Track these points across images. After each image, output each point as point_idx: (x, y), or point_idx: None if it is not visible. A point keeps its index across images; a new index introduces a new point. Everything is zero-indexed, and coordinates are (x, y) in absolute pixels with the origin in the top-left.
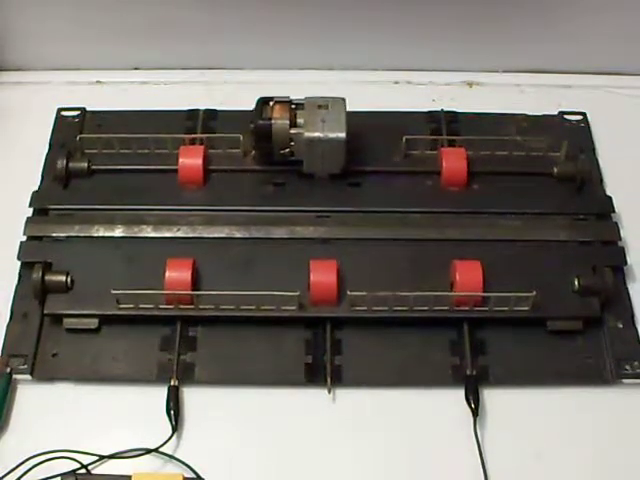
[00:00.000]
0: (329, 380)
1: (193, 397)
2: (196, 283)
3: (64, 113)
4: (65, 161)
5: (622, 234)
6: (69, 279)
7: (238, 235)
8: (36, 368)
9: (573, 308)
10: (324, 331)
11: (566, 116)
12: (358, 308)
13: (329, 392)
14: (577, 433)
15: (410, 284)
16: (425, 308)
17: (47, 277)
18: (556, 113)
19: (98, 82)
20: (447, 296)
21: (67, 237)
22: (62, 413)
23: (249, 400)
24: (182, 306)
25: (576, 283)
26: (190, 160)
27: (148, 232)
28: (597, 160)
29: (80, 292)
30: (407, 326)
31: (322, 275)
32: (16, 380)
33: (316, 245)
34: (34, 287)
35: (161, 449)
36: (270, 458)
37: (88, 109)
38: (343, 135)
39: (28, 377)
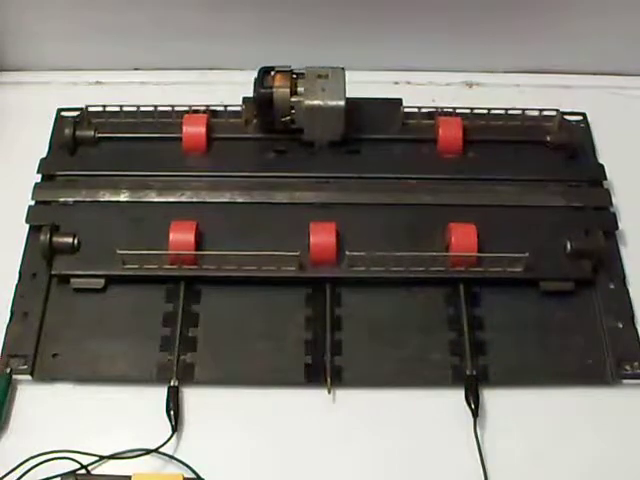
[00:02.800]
0: (329, 380)
1: (193, 397)
2: (199, 245)
3: (64, 113)
4: (72, 129)
5: (614, 201)
6: (76, 241)
7: (240, 200)
8: (36, 368)
9: (565, 269)
10: (324, 294)
11: (566, 116)
12: (357, 268)
13: (329, 392)
14: (577, 433)
15: (407, 247)
16: (422, 268)
17: (54, 239)
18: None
19: (98, 82)
20: (443, 257)
21: (74, 202)
22: (62, 413)
23: (249, 400)
24: (186, 266)
25: (568, 246)
26: (194, 128)
27: (152, 197)
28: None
29: (87, 253)
30: (404, 287)
31: (322, 236)
32: (16, 380)
33: (316, 209)
34: (42, 248)
35: (161, 449)
36: (270, 458)
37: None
38: (342, 103)
39: (28, 377)
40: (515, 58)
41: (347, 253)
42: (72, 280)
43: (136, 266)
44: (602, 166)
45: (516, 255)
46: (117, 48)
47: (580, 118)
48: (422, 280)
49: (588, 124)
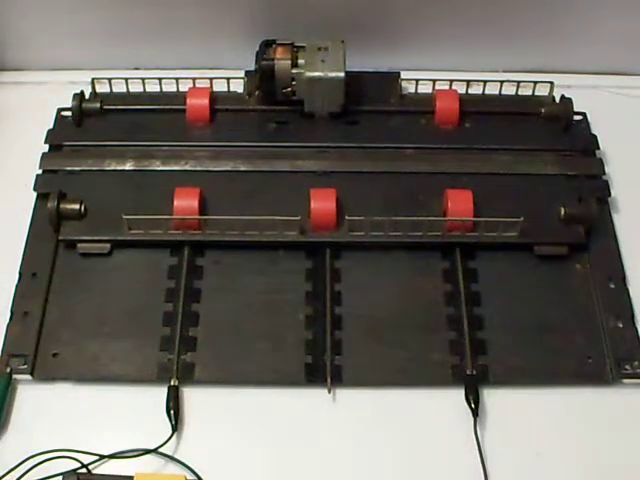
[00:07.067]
0: (329, 380)
1: (193, 397)
2: (203, 211)
3: (64, 113)
4: (79, 102)
5: (607, 170)
6: (82, 207)
7: (243, 168)
8: (36, 368)
9: (559, 234)
10: (324, 260)
11: None
12: (356, 233)
13: (329, 392)
14: (577, 433)
15: (406, 213)
16: (419, 233)
17: (62, 205)
18: None
19: (98, 82)
20: (440, 222)
21: (80, 170)
22: (62, 413)
23: (249, 400)
24: (190, 231)
25: (562, 211)
26: (197, 100)
27: (157, 166)
28: None
29: (93, 219)
30: (403, 252)
31: (322, 202)
32: (16, 380)
33: (316, 177)
34: (49, 214)
35: (161, 449)
36: (270, 458)
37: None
38: (342, 74)
39: (28, 377)
40: (515, 58)
41: (347, 218)
42: (79, 245)
43: (141, 231)
44: (595, 136)
45: (511, 220)
46: (117, 48)
47: (580, 118)
48: (420, 245)
49: (588, 124)
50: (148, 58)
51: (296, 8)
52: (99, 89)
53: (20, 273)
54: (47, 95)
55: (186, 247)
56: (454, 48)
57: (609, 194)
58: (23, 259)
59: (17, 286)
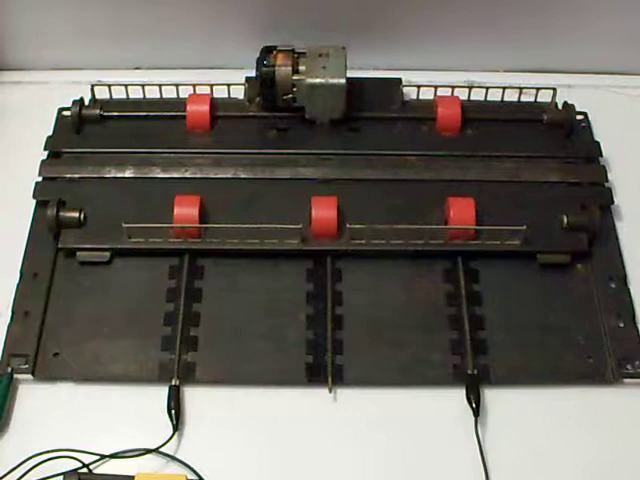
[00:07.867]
0: (330, 379)
1: (194, 397)
2: (203, 219)
3: (65, 113)
4: (78, 108)
5: (609, 174)
6: (82, 215)
7: (243, 176)
8: (37, 368)
9: (562, 243)
10: (324, 267)
11: None
12: (357, 241)
13: (330, 391)
14: (577, 433)
15: (407, 221)
16: (421, 241)
17: (61, 213)
18: None
19: (98, 82)
20: (442, 230)
21: (80, 178)
22: (63, 413)
23: (250, 400)
24: (190, 240)
25: (565, 220)
26: (197, 107)
27: (157, 173)
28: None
29: (93, 227)
30: (404, 260)
31: (323, 210)
32: (17, 380)
33: (317, 185)
34: (49, 222)
35: (162, 449)
36: (271, 457)
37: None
38: (343, 81)
39: (29, 377)
40: (515, 58)
41: (348, 226)
42: (78, 253)
43: (141, 239)
44: (598, 143)
45: (514, 228)
46: (117, 48)
47: (581, 118)
48: (421, 253)
49: (589, 123)
50: (149, 58)
51: (297, 8)
52: (99, 95)
53: (21, 273)
54: (48, 95)
55: (186, 255)
56: (454, 47)
57: (612, 202)
58: (23, 263)
59: (18, 286)
